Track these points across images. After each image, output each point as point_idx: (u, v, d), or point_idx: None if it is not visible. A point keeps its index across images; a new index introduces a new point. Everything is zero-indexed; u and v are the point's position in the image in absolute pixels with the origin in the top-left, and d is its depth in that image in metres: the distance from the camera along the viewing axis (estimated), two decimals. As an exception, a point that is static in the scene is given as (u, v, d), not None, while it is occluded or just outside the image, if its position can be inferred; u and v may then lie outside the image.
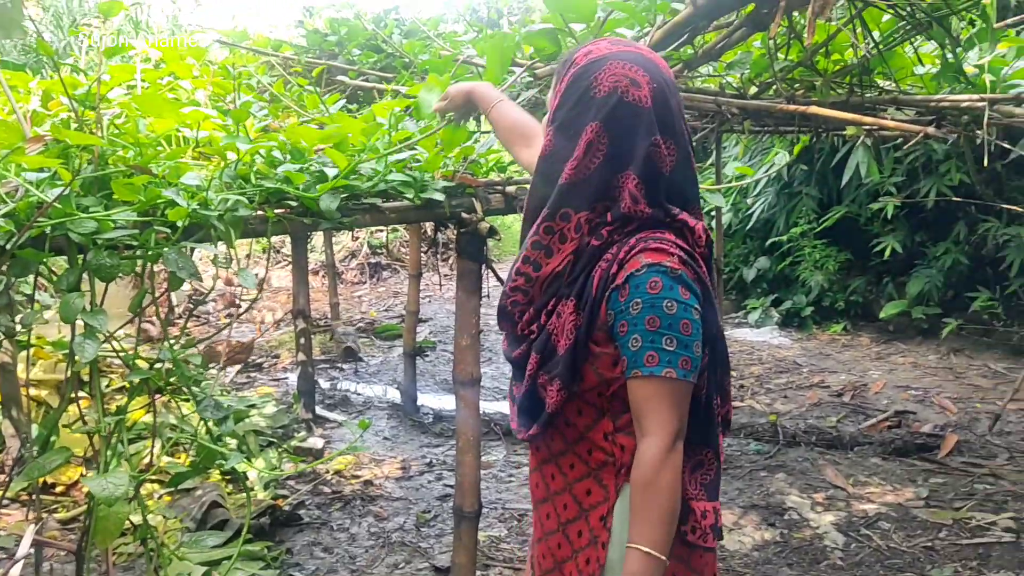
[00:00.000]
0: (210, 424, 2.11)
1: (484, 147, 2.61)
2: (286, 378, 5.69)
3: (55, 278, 1.82)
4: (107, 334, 1.84)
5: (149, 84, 2.49)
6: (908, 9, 2.34)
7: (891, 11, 2.32)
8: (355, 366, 6.07)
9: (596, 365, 1.40)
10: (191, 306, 6.95)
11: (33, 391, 3.84)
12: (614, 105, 1.35)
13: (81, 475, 3.67)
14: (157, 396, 2.17)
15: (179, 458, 3.87)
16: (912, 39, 2.58)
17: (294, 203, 2.12)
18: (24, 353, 2.06)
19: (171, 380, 2.00)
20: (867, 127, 2.13)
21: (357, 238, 9.78)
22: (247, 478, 3.68)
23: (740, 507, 3.64)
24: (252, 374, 5.80)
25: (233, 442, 3.08)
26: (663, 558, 1.32)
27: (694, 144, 1.50)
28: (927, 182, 5.78)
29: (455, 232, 2.53)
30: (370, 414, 4.96)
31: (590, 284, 1.39)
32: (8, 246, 1.60)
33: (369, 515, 3.59)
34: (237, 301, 7.40)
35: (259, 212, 2.03)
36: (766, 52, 2.65)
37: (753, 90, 2.76)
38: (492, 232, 2.41)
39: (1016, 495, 3.69)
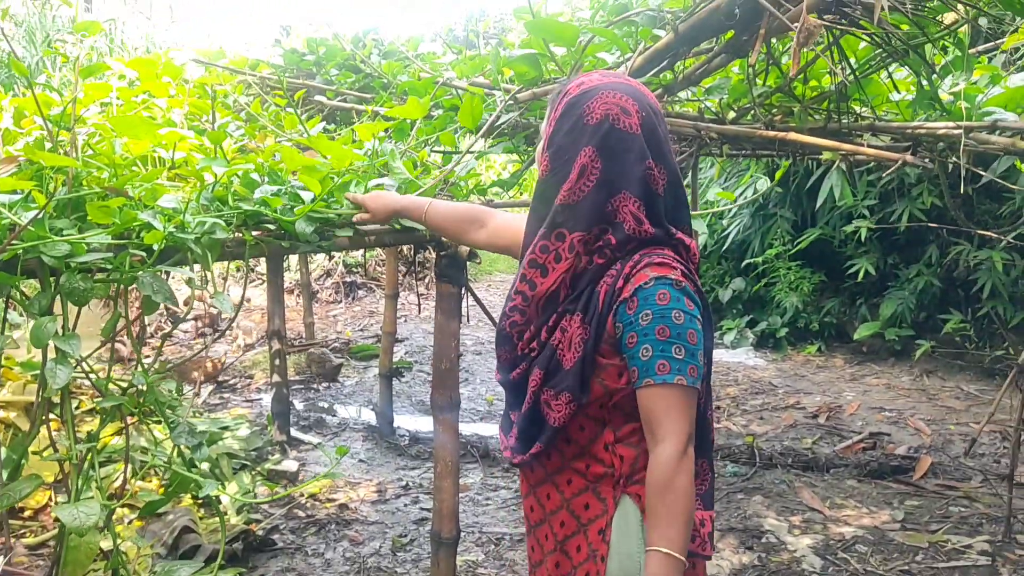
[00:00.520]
0: (183, 448, 2.07)
1: (464, 170, 2.60)
2: (260, 399, 5.62)
3: (26, 301, 1.78)
4: (79, 359, 1.80)
5: (124, 103, 2.46)
6: (884, 37, 2.37)
7: (868, 39, 2.35)
8: (330, 387, 6.01)
9: (602, 377, 1.44)
10: (164, 327, 6.86)
11: (1, 413, 3.76)
12: (606, 132, 1.42)
13: (50, 499, 3.60)
14: (130, 421, 2.13)
15: (150, 481, 3.81)
16: (887, 66, 2.61)
17: (272, 226, 2.10)
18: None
19: (144, 405, 1.96)
20: (844, 152, 2.14)
21: (332, 257, 9.72)
22: (220, 502, 3.62)
23: (718, 530, 3.63)
24: (225, 395, 5.73)
25: (206, 466, 3.04)
26: (683, 559, 1.35)
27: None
28: (900, 205, 5.85)
29: (434, 254, 2.51)
30: (345, 436, 4.91)
31: (595, 298, 1.44)
32: (-22, 270, 1.56)
33: (344, 539, 3.54)
34: (213, 322, 7.30)
35: (236, 235, 2.01)
36: (744, 78, 2.67)
37: (731, 115, 2.78)
38: (472, 255, 2.40)
39: (991, 518, 3.72)
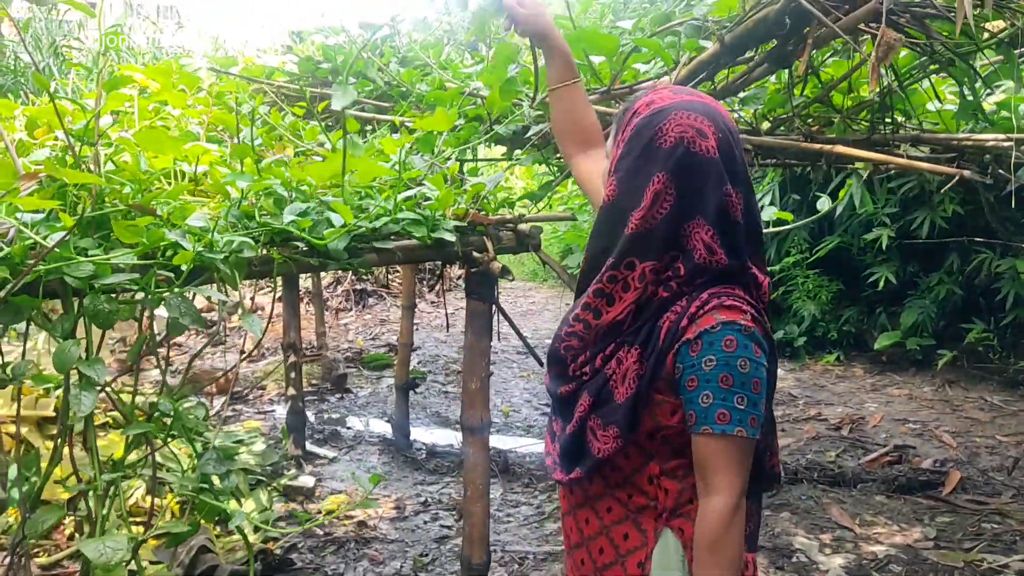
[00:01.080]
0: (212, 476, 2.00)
1: (493, 183, 2.52)
2: (273, 411, 5.54)
3: (48, 324, 1.71)
4: (104, 384, 1.73)
5: (138, 113, 2.39)
6: (929, 46, 2.29)
7: (912, 48, 2.27)
8: (343, 398, 5.93)
9: (654, 412, 1.40)
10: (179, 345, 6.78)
11: (13, 428, 3.69)
12: (681, 156, 1.34)
13: (64, 517, 3.52)
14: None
15: (164, 499, 3.73)
16: (928, 76, 2.53)
17: (300, 243, 2.02)
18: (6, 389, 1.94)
19: (171, 431, 1.89)
20: (895, 166, 2.07)
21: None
22: (243, 527, 3.54)
23: (746, 549, 3.54)
24: (237, 407, 5.65)
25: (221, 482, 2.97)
26: None
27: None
28: (921, 213, 5.76)
29: (464, 270, 2.44)
30: (361, 450, 4.83)
31: (656, 334, 1.38)
32: (2, 294, 1.49)
33: (364, 559, 3.46)
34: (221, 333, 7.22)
35: (264, 252, 1.93)
36: (780, 88, 2.59)
37: (766, 125, 2.70)
38: (504, 272, 2.32)
39: (1026, 535, 3.63)
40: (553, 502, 4.08)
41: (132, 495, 3.57)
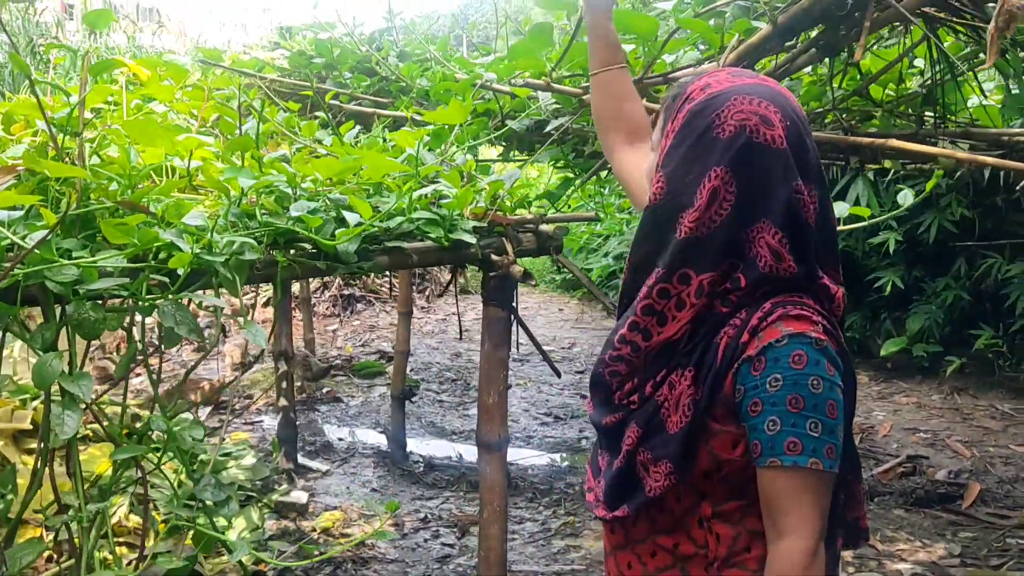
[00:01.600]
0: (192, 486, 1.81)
1: (511, 180, 2.34)
2: (261, 421, 5.33)
3: (27, 335, 1.51)
4: (89, 402, 1.53)
5: (125, 105, 2.20)
6: (978, 33, 2.13)
7: (964, 34, 2.11)
8: (334, 407, 5.72)
9: (712, 445, 1.21)
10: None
11: (-12, 443, 3.46)
12: (743, 146, 1.16)
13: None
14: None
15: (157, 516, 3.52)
16: (974, 68, 2.38)
17: (307, 244, 1.84)
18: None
19: (165, 454, 1.69)
20: (963, 162, 1.90)
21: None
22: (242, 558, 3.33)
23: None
24: (224, 416, 5.43)
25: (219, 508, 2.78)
26: None
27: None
28: (928, 216, 5.63)
29: (481, 274, 2.26)
30: (355, 462, 4.62)
31: (713, 352, 1.20)
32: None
33: (364, 581, 3.26)
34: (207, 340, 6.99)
35: (267, 254, 1.75)
36: (817, 80, 2.43)
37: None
38: (527, 276, 2.14)
39: (1054, 551, 3.49)
40: (559, 517, 3.90)
41: (115, 512, 3.36)
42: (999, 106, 2.43)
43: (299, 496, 3.96)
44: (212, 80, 3.26)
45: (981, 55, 2.28)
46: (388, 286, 8.89)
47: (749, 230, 1.18)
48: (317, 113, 3.78)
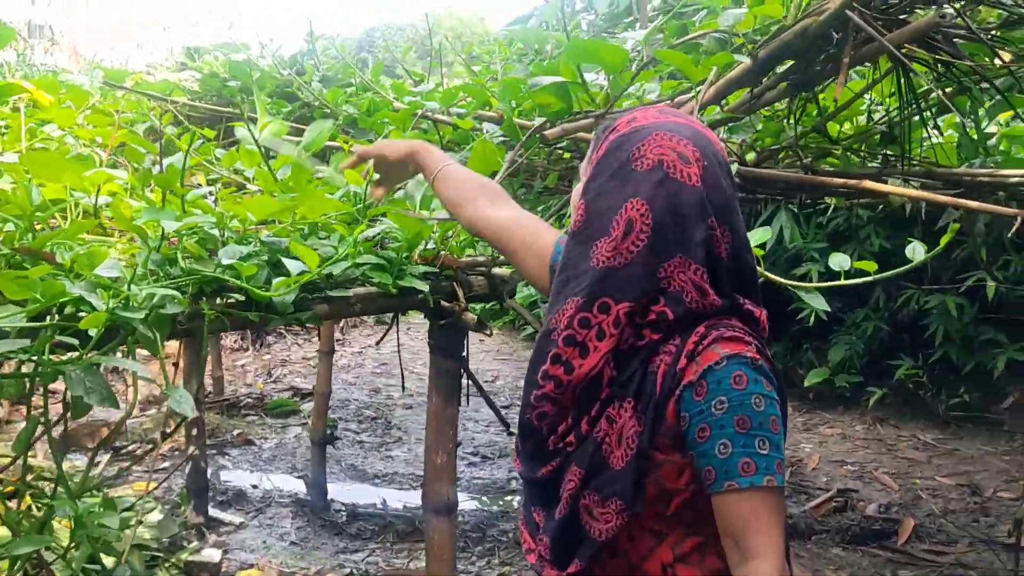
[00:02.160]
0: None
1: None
2: (165, 466, 4.95)
3: None
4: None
5: (19, 131, 1.94)
6: (949, 70, 2.07)
7: (937, 71, 2.05)
8: (245, 451, 5.37)
9: (658, 476, 1.19)
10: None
11: None
12: (659, 181, 1.18)
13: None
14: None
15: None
16: (931, 107, 2.33)
17: (237, 294, 1.61)
18: None
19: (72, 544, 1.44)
20: (957, 207, 1.81)
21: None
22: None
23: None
24: (123, 463, 5.02)
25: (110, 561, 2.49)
26: None
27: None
28: (848, 248, 5.69)
29: (428, 320, 2.06)
30: (271, 512, 4.30)
31: (651, 381, 1.18)
32: None
33: (287, 651, 2.98)
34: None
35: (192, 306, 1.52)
36: (774, 116, 2.34)
37: (751, 156, 2.43)
38: (480, 325, 1.96)
39: (993, 588, 3.47)
40: (494, 568, 3.69)
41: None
42: (955, 143, 2.39)
43: (211, 554, 3.63)
44: (118, 103, 2.98)
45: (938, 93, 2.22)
46: (300, 318, 8.53)
47: (667, 264, 1.17)
48: (231, 139, 3.54)
